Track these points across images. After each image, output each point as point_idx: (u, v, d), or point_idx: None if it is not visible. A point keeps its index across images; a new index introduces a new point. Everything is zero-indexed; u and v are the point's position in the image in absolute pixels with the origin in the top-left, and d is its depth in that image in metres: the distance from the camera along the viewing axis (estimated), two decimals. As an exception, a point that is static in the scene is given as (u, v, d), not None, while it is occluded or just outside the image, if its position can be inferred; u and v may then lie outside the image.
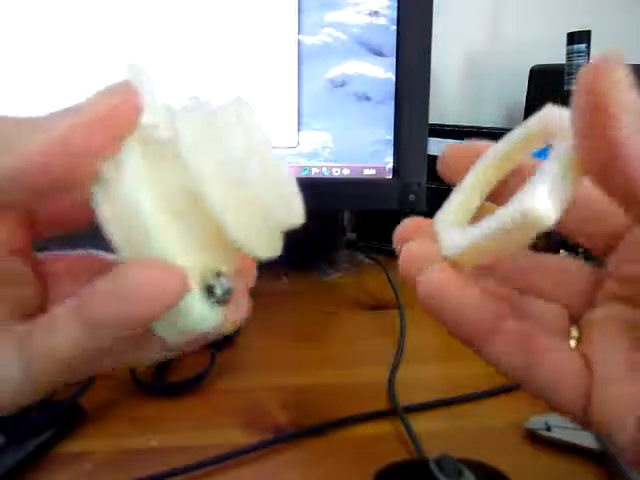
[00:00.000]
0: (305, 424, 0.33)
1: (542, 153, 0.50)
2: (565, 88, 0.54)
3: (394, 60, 0.48)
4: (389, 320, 0.47)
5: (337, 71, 0.47)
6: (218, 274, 0.16)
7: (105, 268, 0.18)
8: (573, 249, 0.42)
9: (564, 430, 0.31)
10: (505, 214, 0.14)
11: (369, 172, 0.49)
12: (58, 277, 0.19)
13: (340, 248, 0.66)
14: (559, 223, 0.15)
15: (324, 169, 0.49)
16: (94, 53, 0.44)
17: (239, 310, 0.17)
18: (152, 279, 0.14)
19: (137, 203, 0.14)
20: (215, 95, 0.46)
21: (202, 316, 0.15)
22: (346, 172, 0.49)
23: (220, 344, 0.41)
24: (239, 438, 0.32)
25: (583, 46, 0.52)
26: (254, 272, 0.18)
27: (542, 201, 0.14)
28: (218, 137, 0.15)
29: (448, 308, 0.16)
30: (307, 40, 0.47)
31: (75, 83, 0.45)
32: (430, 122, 0.48)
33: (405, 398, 0.36)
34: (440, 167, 0.19)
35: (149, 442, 0.32)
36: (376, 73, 0.48)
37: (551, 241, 0.43)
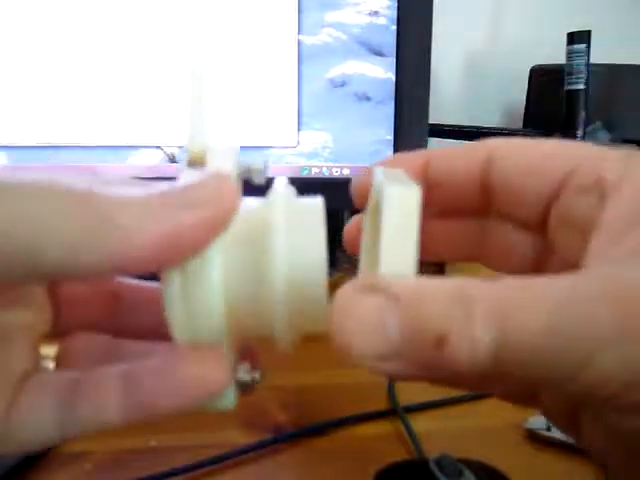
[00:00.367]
0: (305, 424, 0.33)
1: None
2: (565, 88, 0.54)
3: (394, 60, 0.48)
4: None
5: (337, 71, 0.47)
6: (253, 366, 0.17)
7: (117, 292, 0.18)
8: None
9: (564, 430, 0.31)
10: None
11: (369, 172, 0.49)
12: (70, 299, 0.19)
13: (340, 248, 0.66)
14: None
15: (324, 169, 0.49)
16: (94, 54, 0.44)
17: None
18: (204, 379, 0.14)
19: (214, 297, 0.15)
20: (215, 95, 0.46)
21: (229, 403, 0.16)
22: (346, 172, 0.49)
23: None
24: (239, 438, 0.32)
25: (583, 46, 0.52)
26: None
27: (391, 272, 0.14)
28: (302, 235, 0.15)
29: None
30: (307, 40, 0.47)
31: (75, 82, 0.45)
32: (430, 122, 0.48)
33: (405, 398, 0.36)
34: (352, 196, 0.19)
35: (149, 442, 0.32)
36: (376, 73, 0.48)
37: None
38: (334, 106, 0.48)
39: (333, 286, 0.14)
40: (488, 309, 0.12)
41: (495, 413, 0.35)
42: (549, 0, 0.82)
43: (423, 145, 0.49)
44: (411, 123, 0.48)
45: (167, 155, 0.47)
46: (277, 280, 0.15)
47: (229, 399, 0.16)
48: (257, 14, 0.46)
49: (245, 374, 0.16)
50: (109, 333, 0.19)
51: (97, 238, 0.12)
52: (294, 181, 0.17)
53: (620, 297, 0.12)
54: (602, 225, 0.14)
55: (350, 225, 0.20)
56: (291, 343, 0.16)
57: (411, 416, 0.34)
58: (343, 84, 0.48)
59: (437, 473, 0.25)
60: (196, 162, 0.16)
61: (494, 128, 0.64)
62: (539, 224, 0.17)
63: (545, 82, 0.70)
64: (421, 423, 0.33)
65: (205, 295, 0.15)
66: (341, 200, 0.22)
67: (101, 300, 0.19)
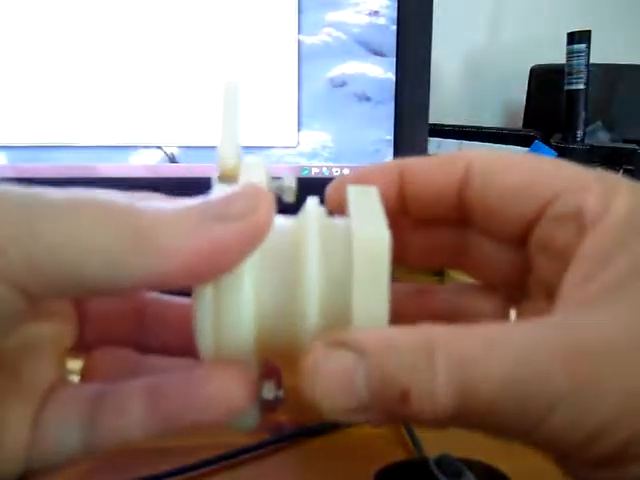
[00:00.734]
0: (305, 424, 0.33)
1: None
2: (565, 88, 0.54)
3: (394, 60, 0.48)
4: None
5: (337, 71, 0.47)
6: (278, 384, 0.17)
7: (143, 306, 0.19)
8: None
9: (564, 430, 0.31)
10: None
11: (369, 172, 0.49)
12: (95, 313, 0.19)
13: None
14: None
15: (324, 169, 0.49)
16: (94, 54, 0.44)
17: None
18: (230, 396, 0.14)
19: (244, 315, 0.15)
20: (216, 95, 0.46)
21: (252, 421, 0.16)
22: (346, 172, 0.49)
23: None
24: (239, 438, 0.32)
25: (583, 46, 0.52)
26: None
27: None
28: (335, 256, 0.15)
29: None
30: (307, 40, 0.47)
31: (75, 82, 0.45)
32: (430, 122, 0.48)
33: (405, 398, 0.36)
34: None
35: (149, 442, 0.32)
36: (376, 73, 0.48)
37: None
38: (334, 106, 0.48)
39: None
40: (450, 361, 0.12)
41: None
42: (549, 0, 0.82)
43: (423, 145, 0.49)
44: (411, 123, 0.48)
45: (167, 155, 0.47)
46: (309, 303, 0.15)
47: (252, 418, 0.16)
48: (257, 14, 0.46)
49: (269, 392, 0.16)
50: (134, 348, 0.19)
51: (135, 256, 0.13)
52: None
53: (572, 350, 0.12)
54: (578, 259, 0.14)
55: (332, 187, 0.19)
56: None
57: (411, 416, 0.34)
58: (343, 84, 0.48)
59: (437, 473, 0.25)
60: (227, 177, 0.16)
61: (494, 128, 0.64)
62: (519, 242, 0.17)
63: (545, 82, 0.70)
64: (421, 423, 0.33)
65: (235, 312, 0.15)
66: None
67: (126, 315, 0.19)
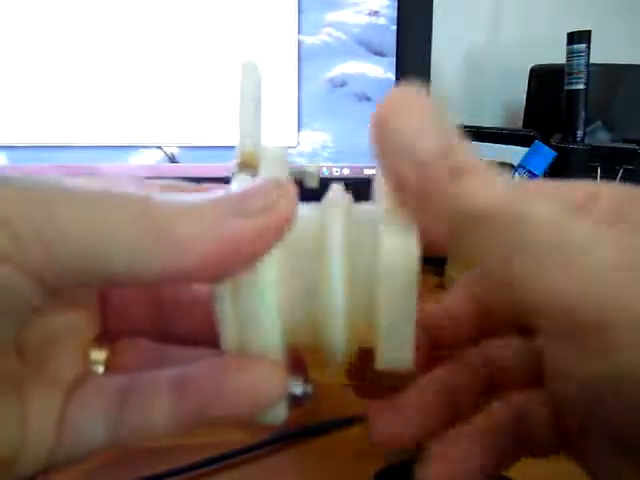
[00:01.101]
0: (305, 424, 0.33)
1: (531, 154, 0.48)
2: (565, 88, 0.54)
3: (394, 60, 0.48)
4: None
5: (337, 71, 0.47)
6: (304, 379, 0.16)
7: (161, 298, 0.18)
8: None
9: (564, 430, 0.31)
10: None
11: (369, 172, 0.49)
12: (116, 302, 0.19)
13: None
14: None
15: (324, 169, 0.49)
16: (94, 54, 0.44)
17: None
18: (258, 389, 0.14)
19: (267, 311, 0.14)
20: (216, 95, 0.46)
21: (280, 416, 0.16)
22: (346, 172, 0.49)
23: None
24: (239, 438, 0.32)
25: (583, 46, 0.52)
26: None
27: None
28: (358, 249, 0.15)
29: None
30: (307, 40, 0.47)
31: (76, 80, 0.45)
32: (430, 122, 0.48)
33: (405, 398, 0.36)
34: None
35: (149, 442, 0.32)
36: (376, 73, 0.48)
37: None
38: (334, 106, 0.48)
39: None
40: None
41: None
42: (549, 0, 0.82)
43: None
44: (411, 123, 0.48)
45: (167, 155, 0.47)
46: (334, 296, 0.15)
47: (280, 413, 0.16)
48: (257, 14, 0.46)
49: (297, 387, 0.16)
50: (157, 339, 0.19)
51: (154, 248, 0.12)
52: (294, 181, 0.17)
53: None
54: None
55: None
56: (343, 358, 0.16)
57: (411, 416, 0.34)
58: (343, 84, 0.48)
59: (437, 473, 0.25)
60: (247, 164, 0.15)
61: (494, 128, 0.64)
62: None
63: (545, 82, 0.70)
64: (421, 423, 0.33)
65: (258, 307, 0.14)
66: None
67: (149, 305, 0.19)
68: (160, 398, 0.15)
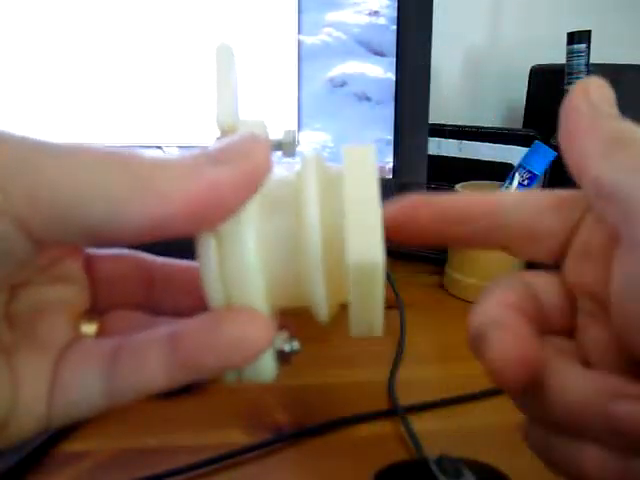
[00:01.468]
0: (305, 424, 0.33)
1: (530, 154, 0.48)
2: (565, 88, 0.54)
3: (394, 60, 0.48)
4: (389, 320, 0.47)
5: (337, 71, 0.47)
6: (290, 335, 0.17)
7: (152, 273, 0.19)
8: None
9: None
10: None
11: (369, 172, 0.49)
12: (106, 278, 0.19)
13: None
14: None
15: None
16: (94, 54, 0.44)
17: None
18: (248, 335, 0.15)
19: (250, 262, 0.15)
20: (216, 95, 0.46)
21: (270, 372, 0.16)
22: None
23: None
24: (239, 438, 0.32)
25: (583, 46, 0.52)
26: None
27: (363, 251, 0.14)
28: (337, 200, 0.15)
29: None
30: (307, 40, 0.47)
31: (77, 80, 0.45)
32: (430, 122, 0.48)
33: (405, 398, 0.36)
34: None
35: (148, 442, 0.32)
36: (376, 73, 0.48)
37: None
38: (334, 106, 0.48)
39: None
40: None
41: (495, 413, 0.35)
42: (549, 0, 0.82)
43: (423, 145, 0.49)
44: (411, 123, 0.48)
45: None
46: (314, 247, 0.15)
47: (270, 368, 0.16)
48: (257, 14, 0.46)
49: (284, 343, 0.16)
50: (147, 313, 0.19)
51: (137, 197, 0.13)
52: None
53: None
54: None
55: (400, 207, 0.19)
56: (329, 312, 0.16)
57: (411, 416, 0.34)
58: (343, 84, 0.48)
59: (437, 473, 0.25)
60: (227, 136, 0.16)
61: (494, 128, 0.64)
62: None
63: (545, 82, 0.70)
64: (421, 423, 0.33)
65: (241, 257, 0.15)
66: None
67: (137, 279, 0.19)
68: (152, 352, 0.15)
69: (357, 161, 0.16)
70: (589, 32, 0.52)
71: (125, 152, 0.13)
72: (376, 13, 0.47)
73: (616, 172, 0.15)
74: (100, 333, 0.18)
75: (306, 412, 0.35)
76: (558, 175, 0.54)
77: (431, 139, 0.60)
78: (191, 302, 0.19)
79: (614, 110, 0.17)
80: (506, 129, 0.62)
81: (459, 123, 0.66)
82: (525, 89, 0.73)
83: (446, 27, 0.73)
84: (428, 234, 0.19)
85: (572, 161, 0.17)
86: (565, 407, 0.15)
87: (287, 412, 0.35)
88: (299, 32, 0.46)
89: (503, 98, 0.85)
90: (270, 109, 0.47)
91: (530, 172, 0.50)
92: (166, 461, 0.30)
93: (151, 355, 0.15)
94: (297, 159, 0.17)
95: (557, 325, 0.18)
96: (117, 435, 0.33)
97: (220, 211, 0.14)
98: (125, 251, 0.19)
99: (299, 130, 0.48)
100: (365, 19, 0.47)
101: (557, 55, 0.58)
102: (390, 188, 0.49)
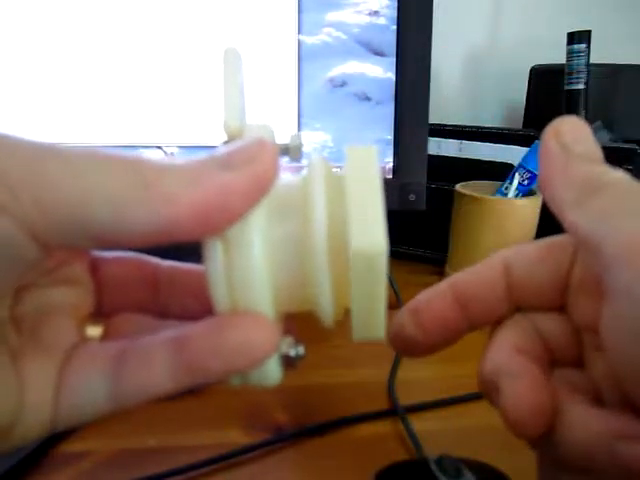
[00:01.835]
0: (305, 424, 0.33)
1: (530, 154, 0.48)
2: (565, 88, 0.54)
3: (394, 60, 0.48)
4: (389, 320, 0.47)
5: (337, 71, 0.47)
6: (295, 340, 0.17)
7: (157, 276, 0.19)
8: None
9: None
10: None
11: (369, 172, 0.49)
12: (111, 281, 0.19)
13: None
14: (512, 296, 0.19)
15: (324, 169, 0.49)
16: (94, 54, 0.44)
17: None
18: (254, 340, 0.15)
19: (256, 266, 0.15)
20: (216, 95, 0.46)
21: (275, 376, 0.16)
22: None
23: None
24: (239, 438, 0.32)
25: (583, 46, 0.52)
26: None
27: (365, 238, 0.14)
28: (344, 205, 0.15)
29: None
30: (307, 40, 0.47)
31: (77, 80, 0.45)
32: (430, 122, 0.48)
33: (405, 398, 0.36)
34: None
35: (149, 442, 0.32)
36: (376, 73, 0.48)
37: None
38: (334, 106, 0.48)
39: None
40: None
41: (495, 413, 0.35)
42: (549, 0, 0.82)
43: (423, 145, 0.49)
44: (411, 123, 0.48)
45: (167, 155, 0.47)
46: (320, 252, 0.15)
47: (275, 372, 0.16)
48: (257, 14, 0.46)
49: (289, 348, 0.16)
50: (152, 316, 0.19)
51: (143, 201, 0.13)
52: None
53: None
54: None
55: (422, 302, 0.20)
56: (334, 317, 0.16)
57: (411, 416, 0.34)
58: (343, 84, 0.48)
59: (437, 473, 0.25)
60: (233, 140, 0.16)
61: (494, 128, 0.64)
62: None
63: (545, 82, 0.70)
64: (421, 423, 0.33)
65: (247, 262, 0.15)
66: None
67: (142, 282, 0.19)
68: (158, 355, 0.15)
69: (360, 160, 0.16)
70: (589, 32, 0.52)
71: (132, 156, 0.13)
72: (376, 13, 0.47)
73: (588, 220, 0.15)
74: (105, 336, 0.18)
75: (306, 412, 0.35)
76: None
77: (431, 139, 0.60)
78: (196, 305, 0.19)
79: (590, 148, 0.17)
80: (506, 129, 0.62)
81: (459, 123, 0.66)
82: (525, 89, 0.73)
83: (446, 27, 0.73)
84: (457, 333, 0.20)
85: (552, 205, 0.17)
86: (574, 445, 0.15)
87: (287, 412, 0.35)
88: (299, 32, 0.46)
89: (503, 98, 0.85)
90: (270, 109, 0.47)
91: (530, 172, 0.50)
92: (166, 461, 0.30)
93: (157, 359, 0.15)
94: (304, 161, 0.17)
95: (567, 358, 0.19)
96: (117, 435, 0.33)
97: (227, 216, 0.14)
98: (130, 254, 0.19)
99: (299, 130, 0.48)
100: (365, 19, 0.47)
101: (557, 55, 0.58)
102: (390, 188, 0.49)
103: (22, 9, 0.43)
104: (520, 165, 0.51)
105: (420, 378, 0.39)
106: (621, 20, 0.82)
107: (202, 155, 0.14)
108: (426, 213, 0.50)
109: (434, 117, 0.51)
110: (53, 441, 0.31)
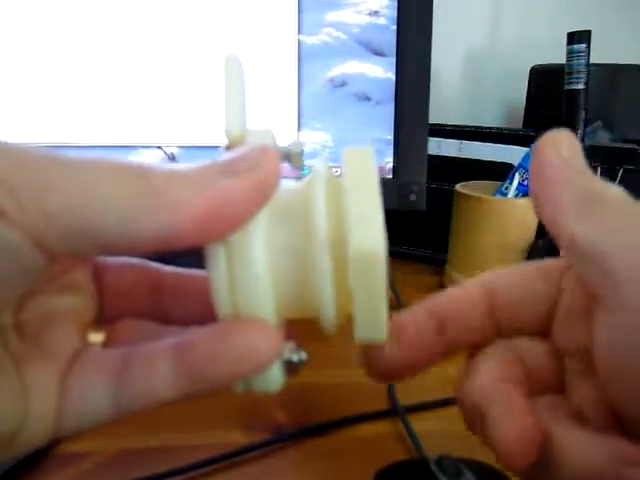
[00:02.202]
0: (305, 424, 0.33)
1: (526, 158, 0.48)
2: (565, 88, 0.54)
3: (394, 60, 0.48)
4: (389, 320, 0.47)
5: (337, 71, 0.47)
6: (297, 346, 0.17)
7: (160, 282, 0.19)
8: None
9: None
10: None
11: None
12: (113, 287, 0.19)
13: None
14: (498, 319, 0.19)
15: (324, 169, 0.49)
16: (94, 54, 0.44)
17: None
18: (257, 345, 0.15)
19: (259, 272, 0.15)
20: (216, 95, 0.46)
21: (278, 382, 0.16)
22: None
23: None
24: (239, 438, 0.32)
25: (583, 46, 0.52)
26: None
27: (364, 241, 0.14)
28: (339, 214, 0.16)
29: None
30: (307, 40, 0.47)
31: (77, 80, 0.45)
32: (430, 122, 0.48)
33: (405, 398, 0.36)
34: None
35: (149, 442, 0.32)
36: (376, 73, 0.48)
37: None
38: (334, 106, 0.48)
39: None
40: None
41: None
42: (549, 0, 0.82)
43: (423, 145, 0.49)
44: (411, 123, 0.48)
45: (167, 155, 0.47)
46: (322, 259, 0.15)
47: (277, 378, 0.16)
48: (257, 14, 0.46)
49: (291, 353, 0.16)
50: (155, 322, 0.19)
51: (149, 209, 0.13)
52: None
53: None
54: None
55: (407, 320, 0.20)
56: (336, 323, 0.16)
57: (411, 416, 0.34)
58: (343, 84, 0.48)
59: (437, 473, 0.25)
60: (234, 146, 0.16)
61: (494, 128, 0.64)
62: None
63: (545, 82, 0.70)
64: (421, 423, 0.33)
65: (250, 268, 0.15)
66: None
67: (144, 288, 0.19)
68: (160, 362, 0.15)
69: (357, 162, 0.16)
70: (589, 32, 0.52)
71: (137, 163, 0.13)
72: (376, 13, 0.47)
73: (594, 233, 0.15)
74: (107, 342, 0.18)
75: (306, 412, 0.35)
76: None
77: (431, 139, 0.60)
78: (199, 311, 0.19)
79: (583, 162, 0.17)
80: (506, 129, 0.62)
81: (459, 123, 0.66)
82: (525, 89, 0.73)
83: (446, 27, 0.73)
84: (438, 356, 0.20)
85: (546, 215, 0.17)
86: (574, 474, 0.15)
87: (287, 412, 0.35)
88: (299, 32, 0.46)
89: (503, 98, 0.85)
90: (270, 109, 0.47)
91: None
92: (166, 461, 0.30)
93: (160, 365, 0.15)
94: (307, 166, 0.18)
95: (548, 384, 0.19)
96: (117, 435, 0.33)
97: (230, 222, 0.14)
98: (133, 260, 0.20)
99: (299, 130, 0.48)
100: (365, 19, 0.47)
101: (557, 55, 0.58)
102: (390, 188, 0.49)
103: (24, 10, 0.43)
104: (520, 165, 0.51)
105: (420, 378, 0.39)
106: (621, 20, 0.82)
107: (205, 161, 0.14)
108: (426, 213, 0.50)
109: (434, 117, 0.51)
110: (53, 441, 0.31)
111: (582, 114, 0.54)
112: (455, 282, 0.53)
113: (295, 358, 0.17)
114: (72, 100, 0.45)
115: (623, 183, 0.18)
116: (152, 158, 0.46)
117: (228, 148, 0.16)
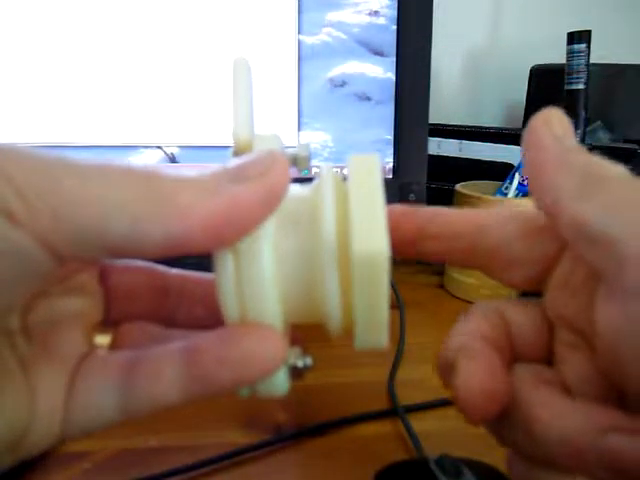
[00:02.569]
0: (305, 424, 0.33)
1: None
2: (565, 88, 0.54)
3: (394, 60, 0.48)
4: (389, 320, 0.47)
5: (337, 71, 0.47)
6: (303, 350, 0.17)
7: (165, 284, 0.19)
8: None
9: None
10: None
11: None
12: (120, 289, 0.19)
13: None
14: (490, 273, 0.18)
15: (324, 169, 0.49)
16: (94, 54, 0.44)
17: None
18: (263, 352, 0.15)
19: (266, 278, 0.15)
20: (216, 95, 0.46)
21: (283, 387, 0.16)
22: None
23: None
24: (239, 438, 0.32)
25: (583, 46, 0.52)
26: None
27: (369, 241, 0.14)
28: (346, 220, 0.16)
29: None
30: (307, 40, 0.47)
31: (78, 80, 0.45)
32: (430, 122, 0.48)
33: (405, 398, 0.36)
34: None
35: (149, 442, 0.32)
36: (376, 73, 0.48)
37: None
38: (334, 106, 0.48)
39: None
40: None
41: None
42: (549, 0, 0.82)
43: (423, 145, 0.49)
44: (411, 123, 0.48)
45: (167, 155, 0.47)
46: (330, 266, 0.15)
47: (282, 383, 0.16)
48: (257, 14, 0.46)
49: (297, 359, 0.17)
50: (160, 324, 0.19)
51: (158, 214, 0.13)
52: (294, 181, 0.17)
53: None
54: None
55: None
56: (343, 328, 0.16)
57: (411, 416, 0.34)
58: (343, 84, 0.48)
59: (437, 473, 0.25)
60: (242, 151, 0.16)
61: (494, 128, 0.64)
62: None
63: (545, 82, 0.70)
64: (421, 423, 0.33)
65: (257, 273, 0.15)
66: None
67: (151, 292, 0.19)
68: (168, 366, 0.15)
69: (362, 169, 0.16)
70: (589, 32, 0.52)
71: (146, 168, 0.13)
72: (376, 13, 0.47)
73: (598, 213, 0.14)
74: (114, 344, 0.18)
75: (306, 412, 0.35)
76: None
77: (431, 139, 0.60)
78: (205, 314, 0.19)
79: (576, 142, 0.16)
80: (506, 129, 0.62)
81: (459, 123, 0.66)
82: (525, 89, 0.73)
83: (446, 27, 0.73)
84: (408, 247, 0.19)
85: (542, 198, 0.16)
86: (555, 440, 0.15)
87: (287, 412, 0.35)
88: (299, 32, 0.46)
89: (503, 98, 0.85)
90: (270, 109, 0.47)
91: (530, 172, 0.50)
92: (166, 461, 0.30)
93: (166, 369, 0.15)
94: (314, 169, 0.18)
95: (533, 353, 0.18)
96: (117, 435, 0.32)
97: (239, 228, 0.14)
98: (139, 262, 0.20)
99: (299, 130, 0.48)
100: (365, 19, 0.47)
101: (557, 55, 0.58)
102: (390, 188, 0.49)
103: (26, 9, 0.43)
104: (520, 165, 0.51)
105: (420, 378, 0.39)
106: (621, 20, 0.82)
107: (214, 167, 0.14)
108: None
109: (434, 117, 0.51)
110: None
111: (582, 114, 0.54)
112: (455, 282, 0.53)
113: (300, 363, 0.17)
114: (72, 100, 0.45)
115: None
116: (152, 158, 0.46)
117: (236, 153, 0.16)
